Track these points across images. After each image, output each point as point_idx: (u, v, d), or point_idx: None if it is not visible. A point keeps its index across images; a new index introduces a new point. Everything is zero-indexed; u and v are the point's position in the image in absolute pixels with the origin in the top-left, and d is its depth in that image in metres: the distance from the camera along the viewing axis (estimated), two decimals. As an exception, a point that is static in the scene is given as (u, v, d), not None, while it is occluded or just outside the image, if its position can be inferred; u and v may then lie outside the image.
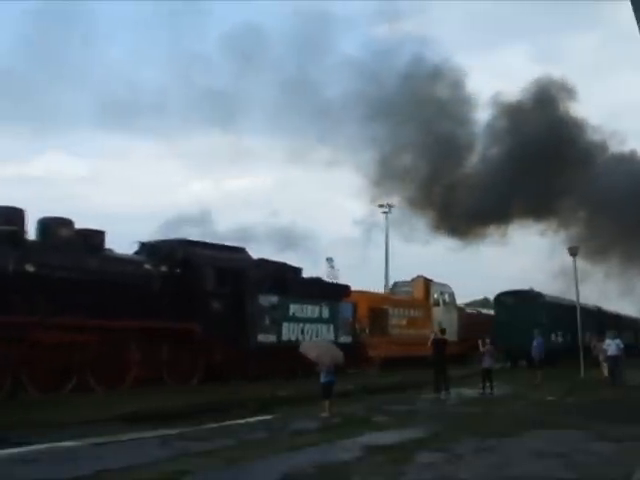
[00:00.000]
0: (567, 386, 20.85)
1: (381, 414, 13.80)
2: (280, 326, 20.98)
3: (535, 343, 24.00)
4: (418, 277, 32.82)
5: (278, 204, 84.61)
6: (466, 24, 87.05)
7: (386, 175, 34.31)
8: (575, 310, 26.41)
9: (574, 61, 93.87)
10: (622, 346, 22.99)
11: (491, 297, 40.55)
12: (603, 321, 35.91)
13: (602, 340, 24.94)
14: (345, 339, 23.69)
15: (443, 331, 20.41)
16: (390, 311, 28.94)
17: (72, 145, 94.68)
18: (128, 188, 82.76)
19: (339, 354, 13.88)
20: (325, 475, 8.07)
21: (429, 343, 19.71)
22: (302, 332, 21.78)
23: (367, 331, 26.70)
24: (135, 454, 8.97)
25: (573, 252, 26.07)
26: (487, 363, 20.14)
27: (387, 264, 47.98)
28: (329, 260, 74.11)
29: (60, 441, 9.43)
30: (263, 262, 21.56)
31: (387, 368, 25.80)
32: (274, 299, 20.87)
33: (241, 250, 21.02)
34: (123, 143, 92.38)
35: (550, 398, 17.69)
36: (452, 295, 34.43)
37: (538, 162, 31.42)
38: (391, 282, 38.67)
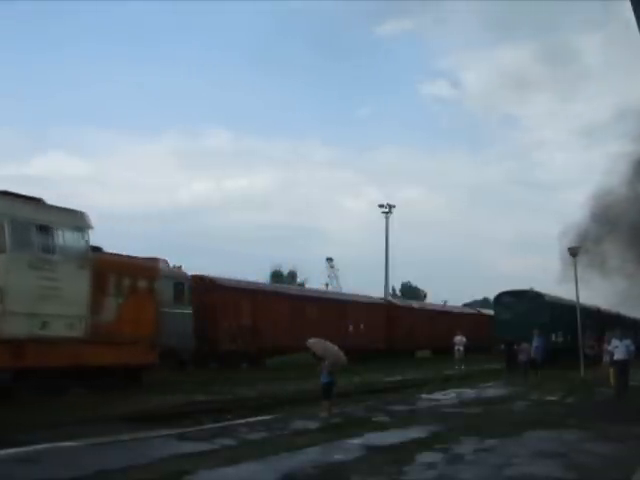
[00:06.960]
0: (567, 386, 20.85)
1: (381, 414, 13.79)
2: None
3: (536, 343, 23.96)
4: None
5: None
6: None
7: None
8: (575, 310, 26.39)
9: None
10: (633, 347, 18.87)
11: (491, 297, 40.46)
12: (603, 321, 35.85)
13: (597, 339, 24.37)
14: None
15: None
16: None
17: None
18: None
19: (343, 357, 13.69)
20: (325, 475, 8.07)
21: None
22: None
23: None
24: (135, 454, 8.97)
25: (573, 252, 26.01)
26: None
27: (387, 265, 47.92)
28: (329, 260, 74.33)
29: (60, 441, 9.43)
30: None
31: None
32: None
33: None
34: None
35: (550, 398, 17.69)
36: (75, 226, 14.85)
37: None
38: (391, 284, 35.82)
